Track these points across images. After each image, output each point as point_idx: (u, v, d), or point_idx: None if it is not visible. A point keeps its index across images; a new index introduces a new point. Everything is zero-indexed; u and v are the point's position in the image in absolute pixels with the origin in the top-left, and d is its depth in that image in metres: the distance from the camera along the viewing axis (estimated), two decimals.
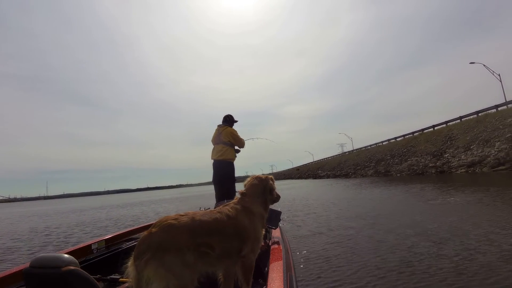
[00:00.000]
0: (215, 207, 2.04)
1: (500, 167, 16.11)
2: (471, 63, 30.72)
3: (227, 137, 4.50)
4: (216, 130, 4.66)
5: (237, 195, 1.84)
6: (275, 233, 2.51)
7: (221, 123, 4.75)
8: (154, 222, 1.35)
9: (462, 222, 5.02)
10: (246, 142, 4.80)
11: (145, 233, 1.28)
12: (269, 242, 2.29)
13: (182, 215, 1.35)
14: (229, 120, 4.74)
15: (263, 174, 1.97)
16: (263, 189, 1.83)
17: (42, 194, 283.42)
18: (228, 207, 1.63)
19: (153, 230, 1.26)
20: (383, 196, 10.58)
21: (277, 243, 2.18)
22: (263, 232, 1.81)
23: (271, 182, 1.91)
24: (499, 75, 28.91)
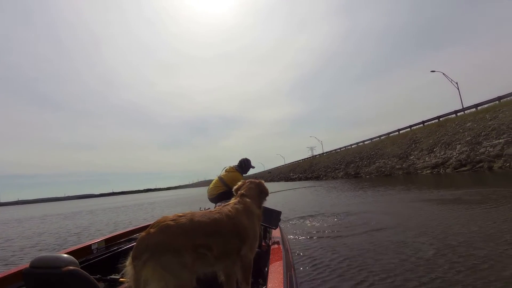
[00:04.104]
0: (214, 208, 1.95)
1: (462, 168, 16.74)
2: (431, 71, 32.51)
3: (232, 182, 3.76)
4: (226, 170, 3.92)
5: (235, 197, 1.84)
6: (275, 233, 2.47)
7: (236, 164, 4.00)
8: (153, 222, 1.32)
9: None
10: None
11: (143, 233, 1.26)
12: (269, 242, 2.26)
13: (181, 216, 1.33)
14: (244, 167, 3.95)
15: (255, 179, 2.06)
16: (259, 192, 1.93)
17: None
18: (229, 206, 1.64)
19: (151, 230, 1.25)
20: (381, 199, 9.76)
21: (277, 243, 2.15)
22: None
23: (266, 186, 2.03)
24: (456, 83, 30.84)
